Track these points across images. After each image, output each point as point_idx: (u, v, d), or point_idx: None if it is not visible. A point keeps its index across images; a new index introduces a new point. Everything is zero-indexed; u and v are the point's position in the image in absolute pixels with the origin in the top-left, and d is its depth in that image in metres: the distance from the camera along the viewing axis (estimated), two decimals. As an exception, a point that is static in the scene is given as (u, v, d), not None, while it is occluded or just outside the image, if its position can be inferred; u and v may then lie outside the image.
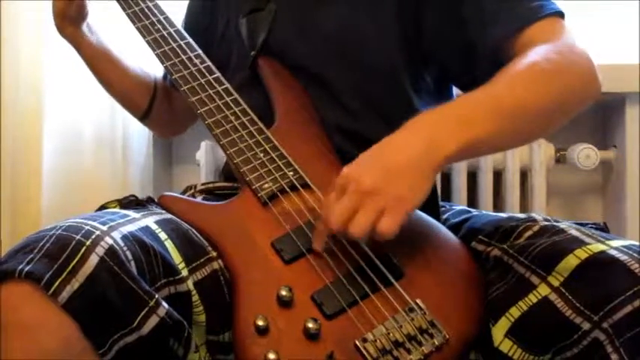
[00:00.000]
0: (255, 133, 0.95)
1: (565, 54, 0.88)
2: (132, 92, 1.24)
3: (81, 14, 1.14)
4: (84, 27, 1.16)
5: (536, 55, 0.87)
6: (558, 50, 0.88)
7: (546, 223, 0.87)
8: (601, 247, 0.76)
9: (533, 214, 0.92)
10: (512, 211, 1.49)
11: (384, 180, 0.78)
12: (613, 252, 0.74)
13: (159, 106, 1.25)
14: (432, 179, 0.80)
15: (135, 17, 1.08)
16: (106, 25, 1.22)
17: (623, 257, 0.73)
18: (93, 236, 0.71)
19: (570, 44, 0.90)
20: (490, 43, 0.93)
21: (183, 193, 1.06)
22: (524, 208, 1.53)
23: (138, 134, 1.51)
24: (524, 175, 1.54)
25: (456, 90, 1.12)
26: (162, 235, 0.81)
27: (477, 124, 0.80)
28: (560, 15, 0.94)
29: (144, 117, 1.26)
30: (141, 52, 1.20)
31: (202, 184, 1.08)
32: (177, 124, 1.34)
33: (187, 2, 1.28)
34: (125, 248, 0.73)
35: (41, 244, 0.70)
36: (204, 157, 1.52)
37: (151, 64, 1.22)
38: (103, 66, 1.21)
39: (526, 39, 0.91)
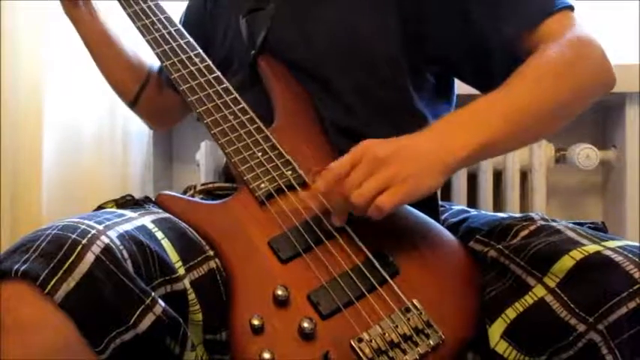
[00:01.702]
0: (253, 132, 0.95)
1: (578, 48, 0.90)
2: (122, 78, 1.25)
3: None
4: (88, 7, 1.17)
5: (549, 51, 0.88)
6: (571, 44, 0.89)
7: (543, 222, 0.87)
8: (596, 247, 0.75)
9: (531, 214, 0.92)
10: (512, 211, 1.49)
11: (399, 156, 0.80)
12: (608, 253, 0.74)
13: (147, 97, 1.25)
14: (440, 178, 0.81)
15: (135, 16, 1.08)
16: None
17: (618, 258, 0.73)
18: (89, 235, 0.71)
19: (582, 37, 0.91)
20: (504, 41, 0.94)
21: (184, 193, 1.06)
22: (524, 208, 1.53)
23: (138, 134, 1.51)
24: (524, 175, 1.54)
25: (457, 88, 1.12)
26: (159, 234, 0.81)
27: (491, 128, 0.82)
28: (572, 9, 0.95)
29: (132, 104, 1.26)
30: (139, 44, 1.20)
31: (202, 185, 1.08)
32: (166, 118, 1.35)
33: (187, 2, 1.29)
34: (121, 247, 0.73)
35: (37, 243, 0.70)
36: (204, 158, 1.52)
37: (149, 55, 1.22)
38: (99, 48, 1.22)
39: (540, 34, 0.92)
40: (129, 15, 1.09)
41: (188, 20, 1.25)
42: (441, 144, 0.81)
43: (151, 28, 1.06)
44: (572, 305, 0.73)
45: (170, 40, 1.05)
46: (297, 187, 0.90)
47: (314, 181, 0.86)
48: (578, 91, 0.89)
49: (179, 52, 1.04)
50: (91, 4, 1.19)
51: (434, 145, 0.81)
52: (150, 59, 1.27)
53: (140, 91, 1.24)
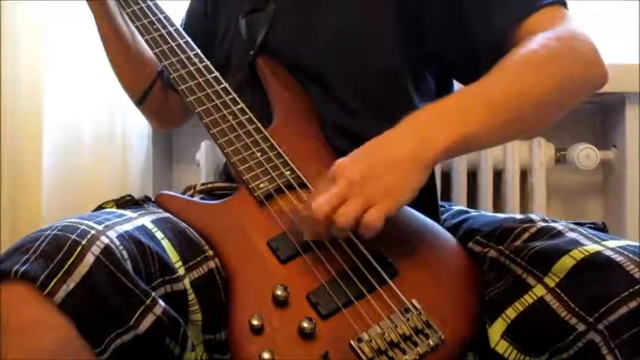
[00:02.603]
0: (252, 132, 0.95)
1: (565, 40, 0.88)
2: (134, 75, 1.23)
3: None
4: (109, 2, 1.16)
5: (533, 43, 0.86)
6: (558, 37, 0.88)
7: (544, 224, 0.86)
8: (597, 247, 0.75)
9: (531, 215, 0.91)
10: (512, 211, 1.49)
11: (373, 172, 0.78)
12: (609, 253, 0.74)
13: (155, 97, 1.24)
14: (423, 175, 0.79)
15: (134, 16, 1.08)
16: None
17: (618, 258, 0.73)
18: (89, 236, 0.71)
19: (571, 30, 0.90)
20: (493, 34, 0.93)
21: (183, 193, 1.06)
22: (524, 208, 1.53)
23: (138, 134, 1.51)
24: (524, 175, 1.54)
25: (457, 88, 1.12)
26: (159, 234, 0.81)
27: (470, 119, 0.80)
28: (563, 4, 0.94)
29: (139, 103, 1.25)
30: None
31: (202, 185, 1.08)
32: (171, 119, 1.34)
33: (187, 2, 1.28)
34: (121, 247, 0.73)
35: (37, 244, 0.70)
36: (204, 157, 1.52)
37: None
38: (115, 44, 1.19)
39: (528, 28, 0.91)
40: (127, 15, 1.09)
41: (190, 23, 1.25)
42: (419, 138, 0.79)
43: (150, 27, 1.06)
44: (572, 305, 0.73)
45: (169, 39, 1.05)
46: (297, 187, 0.90)
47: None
48: (563, 84, 0.86)
49: (178, 51, 1.04)
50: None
51: (411, 141, 0.79)
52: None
53: (148, 90, 1.23)
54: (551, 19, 0.91)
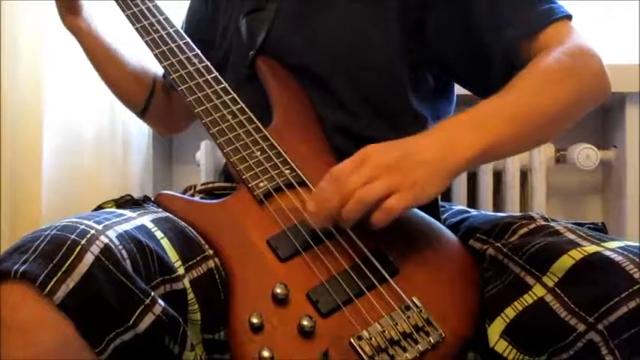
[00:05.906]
0: (252, 132, 0.95)
1: (576, 57, 0.90)
2: (129, 88, 1.24)
3: (76, 2, 1.15)
4: (87, 18, 1.16)
5: (549, 59, 0.89)
6: (570, 53, 0.90)
7: (543, 222, 0.87)
8: (596, 248, 0.75)
9: (531, 213, 0.92)
10: (512, 211, 1.49)
11: (406, 163, 0.79)
12: (608, 253, 0.74)
13: (157, 104, 1.24)
14: (446, 182, 0.80)
15: (134, 18, 1.08)
16: (106, 25, 1.22)
17: (617, 258, 0.73)
18: (88, 235, 0.71)
19: (581, 46, 0.92)
20: (503, 47, 0.94)
21: (183, 193, 1.06)
22: (524, 208, 1.53)
23: (138, 134, 1.51)
24: (524, 175, 1.55)
25: (457, 90, 1.12)
26: (159, 234, 0.81)
27: (495, 130, 0.82)
28: (569, 18, 0.96)
29: (142, 113, 1.25)
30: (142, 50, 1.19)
31: (202, 185, 1.08)
32: (175, 123, 1.34)
33: (188, 3, 1.29)
34: (120, 247, 0.73)
35: (36, 244, 0.70)
36: (204, 157, 1.52)
37: (153, 62, 1.21)
38: (103, 60, 1.20)
39: (539, 43, 0.93)
40: (127, 17, 1.09)
41: (190, 23, 1.25)
42: (446, 146, 0.81)
43: (150, 29, 1.06)
44: (571, 305, 0.73)
45: (169, 40, 1.05)
46: (296, 186, 0.90)
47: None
48: (578, 98, 0.90)
49: (178, 52, 1.04)
50: (91, 17, 1.17)
51: (439, 147, 0.81)
52: (154, 65, 1.26)
53: (149, 100, 1.23)
54: (561, 34, 0.93)
